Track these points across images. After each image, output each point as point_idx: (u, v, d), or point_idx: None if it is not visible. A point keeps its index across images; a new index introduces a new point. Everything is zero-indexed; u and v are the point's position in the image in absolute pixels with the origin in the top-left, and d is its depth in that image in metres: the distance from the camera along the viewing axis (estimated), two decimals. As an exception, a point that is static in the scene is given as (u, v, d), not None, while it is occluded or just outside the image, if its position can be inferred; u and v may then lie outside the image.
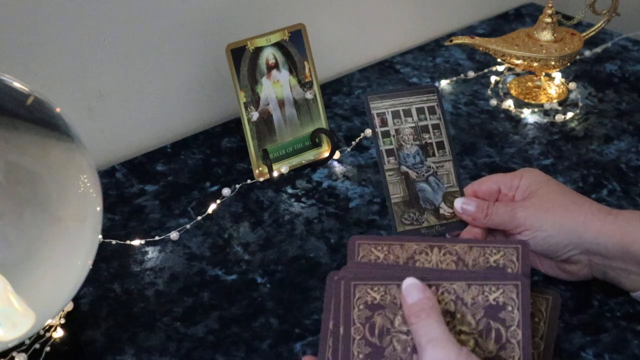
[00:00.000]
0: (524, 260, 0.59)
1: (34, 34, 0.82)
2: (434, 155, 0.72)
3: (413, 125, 0.72)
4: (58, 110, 0.61)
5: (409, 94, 0.73)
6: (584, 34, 1.02)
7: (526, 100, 1.03)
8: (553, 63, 0.98)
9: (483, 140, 0.96)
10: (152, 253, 0.79)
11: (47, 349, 0.68)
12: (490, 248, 0.60)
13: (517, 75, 1.09)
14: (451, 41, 0.98)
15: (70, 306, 0.70)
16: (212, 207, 0.85)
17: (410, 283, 0.56)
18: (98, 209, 0.61)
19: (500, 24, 1.25)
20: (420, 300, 0.55)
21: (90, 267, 0.61)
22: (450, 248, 0.60)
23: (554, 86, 1.05)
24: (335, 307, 0.57)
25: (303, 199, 0.87)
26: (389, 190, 0.70)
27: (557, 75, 1.07)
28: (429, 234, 0.70)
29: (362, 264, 0.60)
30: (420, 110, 0.73)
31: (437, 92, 0.73)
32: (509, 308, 0.57)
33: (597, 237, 0.66)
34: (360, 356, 0.56)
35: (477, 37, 0.99)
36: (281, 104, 0.90)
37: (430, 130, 0.72)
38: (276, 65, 0.89)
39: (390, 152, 0.71)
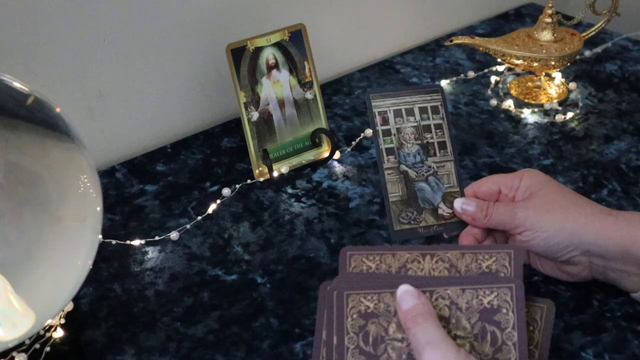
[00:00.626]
0: (516, 264, 0.59)
1: (34, 34, 0.82)
2: (435, 155, 0.72)
3: (415, 124, 0.72)
4: (58, 110, 0.61)
5: (412, 93, 0.73)
6: (584, 34, 1.02)
7: (526, 100, 1.03)
8: (553, 63, 0.98)
9: (483, 140, 0.96)
10: (152, 253, 0.79)
11: (47, 349, 0.68)
12: (482, 254, 0.60)
13: (517, 75, 1.09)
14: (451, 41, 0.98)
15: (70, 306, 0.70)
16: (212, 207, 0.85)
17: (404, 290, 0.56)
18: (98, 209, 0.61)
19: (500, 24, 1.25)
20: (416, 306, 0.55)
21: (90, 267, 0.61)
22: (442, 255, 0.60)
23: (554, 86, 1.05)
24: (328, 317, 0.57)
25: (303, 199, 0.87)
26: (387, 188, 0.70)
27: (557, 75, 1.07)
28: (426, 233, 0.70)
29: (354, 273, 0.60)
30: (423, 110, 0.73)
31: (441, 92, 0.73)
32: (504, 310, 0.57)
33: (597, 238, 0.66)
34: None
35: (477, 37, 0.99)
36: (281, 104, 0.90)
37: (433, 129, 0.72)
38: (276, 65, 0.89)
39: (390, 151, 0.71)
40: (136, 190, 0.88)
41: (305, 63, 0.91)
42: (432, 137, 0.72)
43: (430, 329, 0.54)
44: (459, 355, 0.53)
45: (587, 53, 1.14)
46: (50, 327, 0.69)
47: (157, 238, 0.81)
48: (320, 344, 0.57)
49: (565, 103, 1.03)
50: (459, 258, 0.60)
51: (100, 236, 0.71)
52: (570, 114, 1.00)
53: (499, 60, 1.01)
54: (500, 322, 0.57)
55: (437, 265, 0.60)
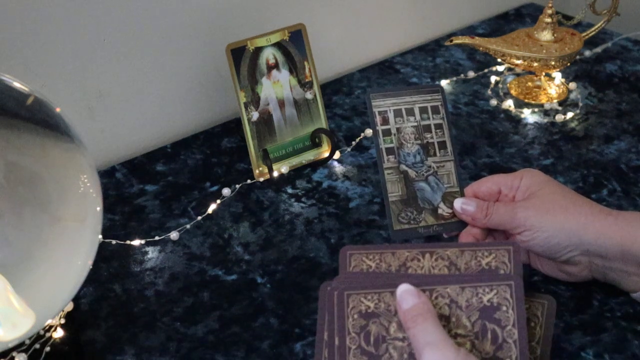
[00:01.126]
0: (516, 261, 0.59)
1: (34, 34, 0.82)
2: (435, 155, 0.72)
3: (415, 124, 0.72)
4: (58, 110, 0.61)
5: (412, 93, 0.73)
6: (584, 34, 1.02)
7: (526, 100, 1.03)
8: (553, 63, 0.98)
9: (483, 140, 0.96)
10: (152, 253, 0.79)
11: (47, 349, 0.68)
12: (482, 251, 0.60)
13: (517, 75, 1.09)
14: (451, 41, 0.98)
15: (70, 306, 0.70)
16: (212, 207, 0.85)
17: (404, 289, 0.56)
18: (98, 209, 0.61)
19: (500, 24, 1.25)
20: (416, 305, 0.55)
21: (90, 267, 0.61)
22: (442, 253, 0.60)
23: (554, 86, 1.05)
24: (329, 318, 0.57)
25: (303, 199, 0.87)
26: (387, 188, 0.70)
27: (557, 75, 1.07)
28: (426, 233, 0.70)
29: (354, 273, 0.60)
30: (423, 110, 0.73)
31: (441, 92, 0.73)
32: (504, 308, 0.57)
33: (597, 238, 0.66)
34: None
35: (477, 37, 0.99)
36: (281, 104, 0.90)
37: (433, 129, 0.72)
38: (276, 65, 0.89)
39: (390, 151, 0.71)
40: (136, 190, 0.88)
41: (305, 63, 0.91)
42: (432, 137, 0.72)
43: (430, 329, 0.54)
44: (459, 355, 0.53)
45: (587, 53, 1.14)
46: (50, 327, 0.69)
47: (157, 238, 0.81)
48: (322, 344, 0.57)
49: (565, 103, 1.03)
50: (458, 255, 0.60)
51: (100, 236, 0.71)
52: (570, 114, 1.00)
53: (499, 60, 1.01)
54: (500, 320, 0.57)
55: (437, 263, 0.60)
